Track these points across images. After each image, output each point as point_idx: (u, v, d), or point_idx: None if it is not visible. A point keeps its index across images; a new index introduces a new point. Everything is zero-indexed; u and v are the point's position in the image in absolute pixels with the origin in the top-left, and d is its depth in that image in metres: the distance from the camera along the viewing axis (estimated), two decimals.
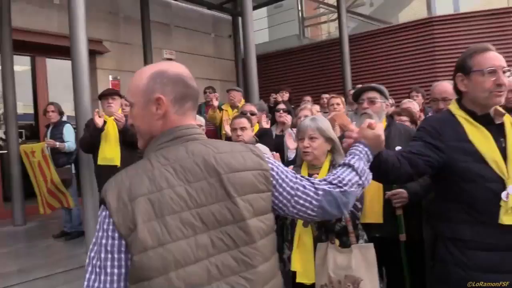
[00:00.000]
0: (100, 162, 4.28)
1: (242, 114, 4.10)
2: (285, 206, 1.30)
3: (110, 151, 4.25)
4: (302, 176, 1.37)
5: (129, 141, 4.13)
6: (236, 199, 1.17)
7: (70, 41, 4.68)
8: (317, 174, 2.34)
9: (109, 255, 1.09)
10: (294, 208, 1.31)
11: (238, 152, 1.26)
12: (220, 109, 5.97)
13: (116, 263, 1.09)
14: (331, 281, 2.15)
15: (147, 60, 8.11)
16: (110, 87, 7.74)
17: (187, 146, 1.21)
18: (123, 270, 1.09)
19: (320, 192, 1.32)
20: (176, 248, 1.09)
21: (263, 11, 11.34)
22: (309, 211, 1.32)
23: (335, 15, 10.35)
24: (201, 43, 9.85)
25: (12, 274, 4.15)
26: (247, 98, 6.41)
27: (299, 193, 1.31)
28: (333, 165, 2.39)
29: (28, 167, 5.43)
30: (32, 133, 9.04)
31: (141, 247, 1.06)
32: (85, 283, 1.10)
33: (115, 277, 1.08)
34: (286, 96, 6.64)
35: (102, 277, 1.08)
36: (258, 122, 4.41)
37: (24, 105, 8.19)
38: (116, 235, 1.08)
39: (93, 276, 1.10)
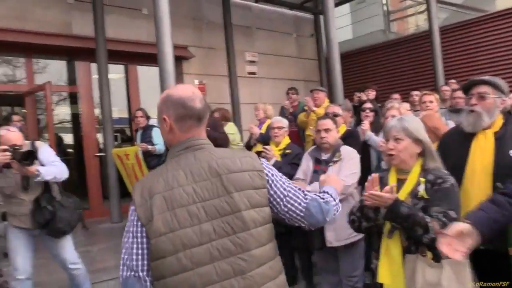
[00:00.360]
0: None
1: (326, 115, 3.96)
2: (278, 204, 1.56)
3: None
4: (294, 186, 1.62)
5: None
6: (233, 194, 1.44)
7: (157, 48, 4.89)
8: (406, 179, 2.14)
9: (134, 239, 1.41)
10: (285, 207, 1.57)
11: (237, 157, 1.53)
12: (304, 110, 5.83)
13: (139, 245, 1.40)
14: None
15: (230, 63, 8.26)
16: None
17: (195, 154, 1.51)
18: (145, 251, 1.40)
19: (308, 197, 1.60)
20: (184, 234, 1.38)
21: (345, 7, 11.03)
22: (298, 211, 1.57)
23: (424, 7, 9.73)
24: (283, 43, 9.82)
25: (110, 268, 4.41)
26: (331, 97, 6.23)
27: (290, 194, 1.58)
28: (424, 170, 2.15)
29: (121, 169, 5.78)
30: (127, 136, 9.66)
31: (157, 233, 1.37)
32: (122, 258, 1.43)
33: (140, 256, 1.40)
34: (372, 94, 6.34)
35: (131, 256, 1.41)
36: (344, 123, 4.24)
37: (118, 110, 8.78)
38: (139, 223, 1.40)
39: (126, 256, 1.41)
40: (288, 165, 3.91)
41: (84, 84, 7.29)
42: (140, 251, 1.40)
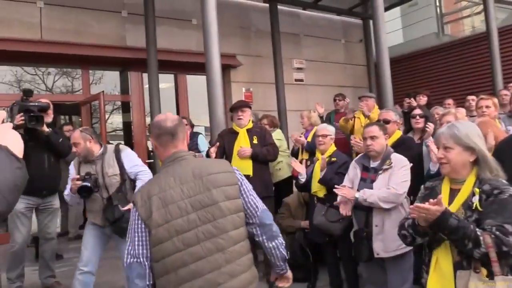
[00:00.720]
0: None
1: (378, 121, 3.85)
2: (243, 198, 1.96)
3: (242, 162, 4.33)
4: None
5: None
6: (212, 191, 1.87)
7: (205, 58, 4.97)
8: (460, 189, 2.02)
9: (136, 233, 1.83)
10: (248, 203, 1.97)
11: (214, 163, 2.07)
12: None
13: (140, 238, 1.82)
14: None
15: (277, 71, 8.25)
16: (243, 99, 8.08)
17: (181, 163, 1.94)
18: (145, 242, 1.82)
19: (264, 206, 2.04)
20: (176, 223, 1.81)
21: (396, 11, 10.74)
22: (256, 209, 1.99)
23: (480, 7, 9.28)
24: (331, 50, 9.71)
25: None
26: (380, 103, 6.06)
27: (253, 195, 2.01)
28: (480, 180, 2.01)
29: None
30: None
31: (156, 225, 1.80)
32: (126, 249, 1.85)
33: (140, 246, 1.82)
34: (423, 100, 6.09)
35: (134, 246, 1.83)
36: (398, 129, 4.07)
37: None
38: (140, 220, 1.83)
39: (130, 247, 1.83)
40: (336, 175, 3.83)
41: (136, 93, 7.56)
42: (141, 242, 1.82)
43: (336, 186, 3.23)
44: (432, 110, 5.07)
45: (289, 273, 2.27)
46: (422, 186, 2.26)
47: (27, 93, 4.01)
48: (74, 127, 6.63)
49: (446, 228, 1.89)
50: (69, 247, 5.95)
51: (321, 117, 5.96)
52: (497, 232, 1.82)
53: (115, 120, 11.93)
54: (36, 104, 3.97)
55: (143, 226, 1.82)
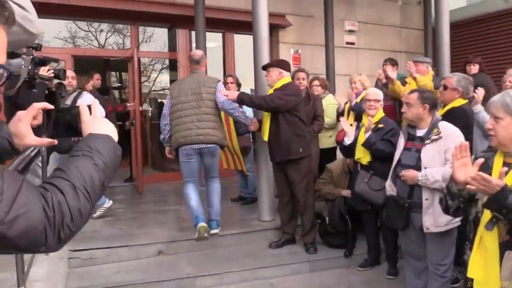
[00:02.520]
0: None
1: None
2: (215, 95, 4.16)
3: (263, 126, 4.30)
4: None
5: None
6: (201, 88, 4.15)
7: (252, 16, 4.83)
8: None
9: (167, 105, 4.41)
10: (216, 97, 4.16)
11: (209, 78, 4.39)
12: (404, 82, 5.40)
13: (168, 106, 4.38)
14: None
15: (328, 33, 7.92)
16: (292, 62, 7.87)
17: (192, 75, 4.39)
18: (168, 105, 4.38)
19: (223, 98, 4.21)
20: (181, 98, 4.21)
21: None
22: (219, 100, 4.19)
23: None
24: (386, 12, 9.18)
25: (193, 228, 4.56)
26: (437, 71, 5.71)
27: (221, 96, 4.17)
28: None
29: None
30: None
31: (173, 97, 4.33)
32: (162, 112, 4.57)
33: (167, 111, 4.37)
34: (475, 69, 5.65)
35: (165, 111, 4.47)
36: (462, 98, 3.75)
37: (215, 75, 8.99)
38: (169, 98, 4.42)
39: (164, 111, 4.52)
40: (381, 141, 3.68)
41: (184, 51, 7.54)
42: (167, 105, 4.30)
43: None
44: (504, 78, 4.67)
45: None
46: (473, 157, 2.08)
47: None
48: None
49: (504, 207, 1.72)
50: None
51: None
52: None
53: (164, 79, 12.12)
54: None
55: (169, 98, 4.34)
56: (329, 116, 5.31)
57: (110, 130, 1.07)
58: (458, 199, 1.93)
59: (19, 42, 1.11)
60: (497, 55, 8.30)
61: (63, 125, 1.18)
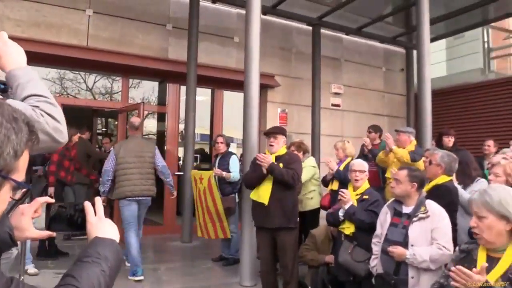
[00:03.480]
0: (251, 196, 4.31)
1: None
2: (155, 158, 5.20)
3: (263, 189, 4.23)
4: None
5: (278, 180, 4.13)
6: (144, 152, 5.11)
7: (244, 75, 4.97)
8: (499, 257, 1.87)
9: (111, 160, 5.09)
10: (156, 160, 5.18)
11: (148, 143, 5.40)
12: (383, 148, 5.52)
13: (112, 161, 5.08)
14: None
15: (315, 94, 8.18)
16: (278, 121, 8.04)
17: (134, 138, 5.24)
18: (114, 163, 5.07)
19: (163, 163, 5.34)
20: (127, 159, 5.02)
21: (441, 43, 10.48)
22: (158, 164, 5.23)
23: None
24: (371, 77, 9.57)
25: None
26: (419, 138, 5.86)
27: (160, 159, 5.26)
28: None
29: (195, 191, 5.88)
30: (205, 157, 9.92)
31: (119, 156, 5.03)
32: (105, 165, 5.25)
33: (111, 163, 5.06)
34: (451, 142, 5.85)
35: (108, 166, 5.16)
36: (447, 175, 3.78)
37: (202, 128, 9.04)
38: (114, 155, 5.11)
39: (104, 167, 5.31)
40: (364, 212, 3.70)
41: (173, 104, 7.65)
42: (112, 166, 4.97)
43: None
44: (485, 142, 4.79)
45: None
46: (457, 248, 2.12)
47: None
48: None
49: None
50: None
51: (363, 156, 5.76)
52: None
53: (149, 124, 12.18)
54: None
55: (114, 157, 4.97)
56: (305, 178, 5.30)
57: (114, 232, 1.12)
58: None
59: (44, 149, 1.19)
60: (474, 125, 8.62)
61: (65, 219, 1.21)
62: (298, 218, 4.28)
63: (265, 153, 4.31)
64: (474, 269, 1.80)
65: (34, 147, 0.90)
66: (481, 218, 1.91)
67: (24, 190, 0.92)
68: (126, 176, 4.93)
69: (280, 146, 4.26)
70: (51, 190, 5.35)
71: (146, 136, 12.07)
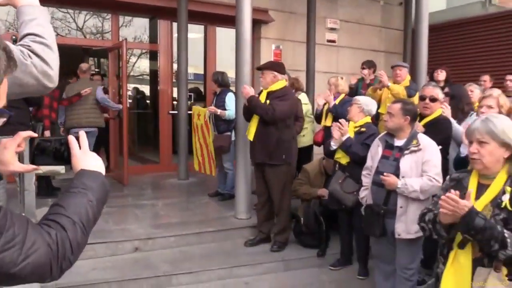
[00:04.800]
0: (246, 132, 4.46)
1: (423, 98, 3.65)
2: None
3: (251, 125, 4.31)
4: None
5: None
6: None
7: (236, 12, 4.81)
8: (489, 184, 1.94)
9: None
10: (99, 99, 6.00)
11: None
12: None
13: None
14: None
15: (310, 30, 7.97)
16: (272, 58, 7.89)
17: None
18: None
19: None
20: None
21: None
22: None
23: None
24: (368, 11, 9.27)
25: (173, 224, 4.64)
26: (414, 73, 5.82)
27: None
28: (510, 177, 1.93)
29: (193, 126, 5.94)
30: (200, 96, 9.87)
31: None
32: None
33: None
34: (442, 75, 5.78)
35: None
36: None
37: (195, 67, 8.90)
38: None
39: None
40: (360, 145, 3.77)
41: (165, 42, 7.47)
42: None
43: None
44: (466, 87, 4.82)
45: None
46: (448, 177, 2.19)
47: None
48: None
49: (472, 228, 1.83)
50: None
51: (350, 88, 5.75)
52: None
53: (142, 64, 11.99)
54: None
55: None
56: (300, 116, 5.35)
57: (100, 165, 1.14)
58: (442, 237, 2.03)
59: (32, 92, 1.18)
60: (472, 60, 8.51)
61: (50, 153, 1.23)
62: (288, 155, 4.28)
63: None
64: (456, 192, 1.87)
65: (13, 74, 0.89)
66: (483, 144, 1.97)
67: (4, 117, 0.93)
68: (73, 111, 5.94)
69: (269, 81, 4.24)
70: (47, 133, 5.40)
71: (140, 77, 11.99)
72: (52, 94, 5.50)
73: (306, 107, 5.50)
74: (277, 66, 4.37)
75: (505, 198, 1.87)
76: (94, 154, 1.16)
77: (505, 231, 1.80)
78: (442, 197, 1.91)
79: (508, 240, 1.77)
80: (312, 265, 4.25)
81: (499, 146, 1.95)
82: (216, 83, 5.67)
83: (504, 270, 1.81)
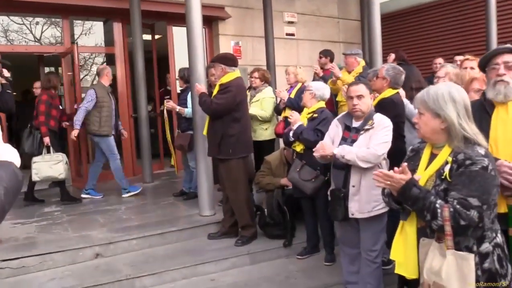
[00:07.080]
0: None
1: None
2: None
3: (207, 120, 4.34)
4: None
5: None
6: None
7: (185, 8, 4.74)
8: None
9: None
10: None
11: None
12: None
13: None
14: (423, 282, 1.84)
15: (267, 24, 7.96)
16: (233, 53, 7.84)
17: None
18: None
19: None
20: None
21: None
22: None
23: None
24: (324, 3, 9.35)
25: (134, 228, 4.53)
26: (370, 61, 5.88)
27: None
28: (454, 153, 1.89)
29: (166, 123, 5.77)
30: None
31: None
32: None
33: None
34: (390, 58, 5.91)
35: None
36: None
37: None
38: None
39: None
40: (311, 131, 3.76)
41: (120, 44, 7.31)
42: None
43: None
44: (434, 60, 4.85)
45: None
46: (410, 148, 2.20)
47: None
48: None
49: (408, 198, 1.86)
50: None
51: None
52: (458, 206, 1.76)
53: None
54: None
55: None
56: (264, 109, 5.35)
57: (13, 156, 1.16)
58: (400, 205, 2.04)
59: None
60: (425, 45, 8.70)
61: None
62: (234, 150, 4.18)
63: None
64: (395, 169, 1.89)
65: None
66: (420, 114, 1.98)
67: None
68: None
69: (219, 74, 4.22)
70: (46, 140, 5.40)
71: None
72: (50, 102, 5.52)
73: (270, 101, 5.48)
74: (225, 59, 4.32)
75: (446, 169, 1.87)
76: (9, 145, 1.18)
77: (438, 201, 1.81)
78: (374, 173, 1.94)
79: (439, 211, 1.78)
80: (279, 256, 4.22)
81: (433, 117, 1.93)
82: (182, 80, 5.63)
83: (449, 242, 1.77)
